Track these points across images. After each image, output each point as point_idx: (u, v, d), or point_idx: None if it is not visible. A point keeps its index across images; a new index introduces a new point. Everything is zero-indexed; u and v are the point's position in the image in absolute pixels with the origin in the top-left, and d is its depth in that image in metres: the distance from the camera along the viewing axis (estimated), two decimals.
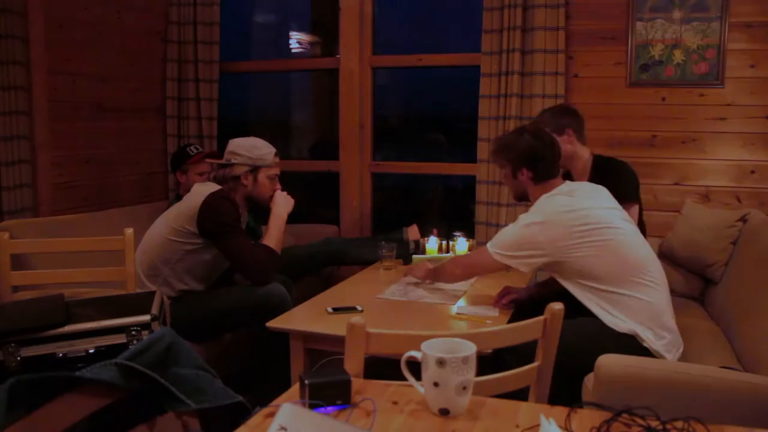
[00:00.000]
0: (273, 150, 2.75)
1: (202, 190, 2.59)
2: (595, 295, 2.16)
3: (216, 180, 2.69)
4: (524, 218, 2.26)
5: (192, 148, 3.41)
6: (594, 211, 2.21)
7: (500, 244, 2.28)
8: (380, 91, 4.14)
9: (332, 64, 4.05)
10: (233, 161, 2.69)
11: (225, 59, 4.03)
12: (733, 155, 3.28)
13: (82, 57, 3.43)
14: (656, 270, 2.21)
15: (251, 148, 2.70)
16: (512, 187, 2.42)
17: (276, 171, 2.76)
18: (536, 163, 2.29)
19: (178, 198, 3.12)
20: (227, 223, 2.52)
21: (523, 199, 2.42)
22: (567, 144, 2.68)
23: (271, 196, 2.74)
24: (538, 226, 2.18)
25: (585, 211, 2.20)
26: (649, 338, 2.09)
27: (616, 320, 2.12)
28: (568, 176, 2.72)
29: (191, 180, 3.27)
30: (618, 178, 2.62)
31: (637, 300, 2.12)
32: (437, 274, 2.62)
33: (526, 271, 2.30)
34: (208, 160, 2.92)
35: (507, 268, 2.30)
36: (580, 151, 2.76)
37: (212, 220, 2.51)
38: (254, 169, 2.70)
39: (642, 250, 2.22)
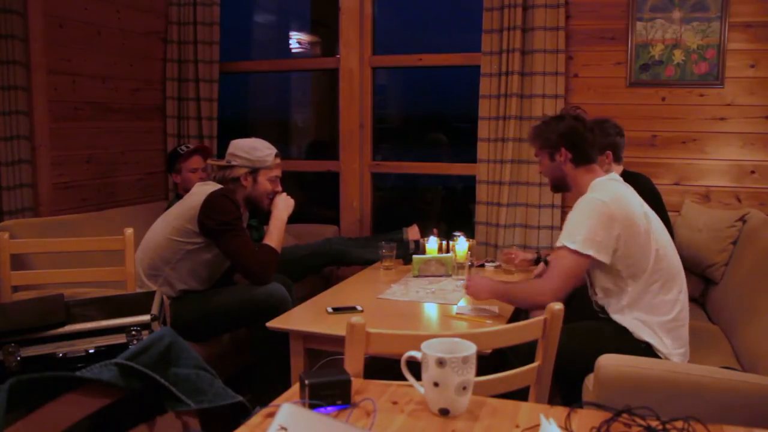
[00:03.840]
0: (273, 151, 2.73)
1: (203, 190, 2.59)
2: (626, 298, 2.09)
3: (216, 181, 2.69)
4: (588, 199, 2.10)
5: (182, 147, 3.42)
6: (647, 205, 2.18)
7: (574, 233, 2.06)
8: (380, 91, 4.14)
9: (332, 64, 4.05)
10: (233, 163, 2.69)
11: (225, 59, 4.03)
12: (733, 155, 3.28)
13: (82, 57, 3.43)
14: (683, 281, 2.15)
15: (251, 150, 2.69)
16: (550, 173, 2.29)
17: (277, 173, 2.75)
18: (576, 143, 2.19)
19: (178, 197, 3.12)
20: (228, 221, 2.51)
21: (560, 188, 2.32)
22: (603, 164, 2.67)
23: (270, 199, 2.73)
24: (611, 202, 2.05)
25: (642, 200, 2.17)
26: (668, 346, 2.04)
27: (636, 323, 2.06)
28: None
29: (185, 178, 3.29)
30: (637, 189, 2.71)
31: (668, 306, 2.06)
32: (512, 296, 2.26)
33: (607, 261, 2.05)
34: (209, 161, 2.92)
35: (588, 263, 2.08)
36: (612, 170, 2.76)
37: (213, 219, 2.50)
38: (254, 171, 2.69)
39: (677, 258, 2.17)
